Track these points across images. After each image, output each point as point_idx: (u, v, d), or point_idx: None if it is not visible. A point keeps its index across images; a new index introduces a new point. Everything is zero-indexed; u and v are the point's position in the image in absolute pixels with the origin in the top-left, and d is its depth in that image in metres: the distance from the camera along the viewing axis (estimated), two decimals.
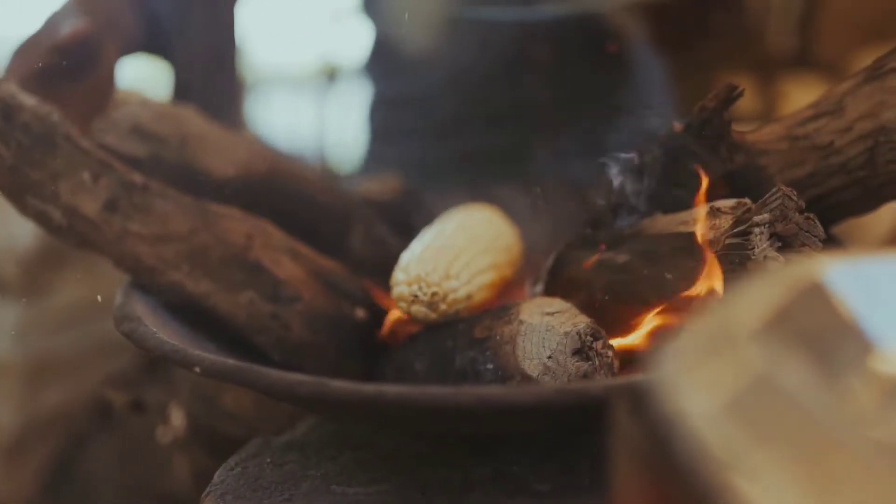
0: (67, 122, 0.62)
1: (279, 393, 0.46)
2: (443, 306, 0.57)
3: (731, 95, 0.56)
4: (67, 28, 0.66)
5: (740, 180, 0.58)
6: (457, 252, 0.60)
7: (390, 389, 0.42)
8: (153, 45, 0.75)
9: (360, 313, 0.63)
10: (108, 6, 0.72)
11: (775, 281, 0.31)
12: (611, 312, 0.55)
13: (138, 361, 1.58)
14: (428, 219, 0.80)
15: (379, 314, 0.64)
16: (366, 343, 0.63)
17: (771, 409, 0.25)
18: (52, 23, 0.68)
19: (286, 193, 0.72)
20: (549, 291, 0.60)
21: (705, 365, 0.27)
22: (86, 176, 0.61)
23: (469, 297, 0.58)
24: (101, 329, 1.35)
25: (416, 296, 0.56)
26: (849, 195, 0.58)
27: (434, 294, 0.56)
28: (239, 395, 0.70)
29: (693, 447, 0.24)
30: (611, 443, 0.35)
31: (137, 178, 0.62)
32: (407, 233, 0.78)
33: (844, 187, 0.58)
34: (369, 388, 0.42)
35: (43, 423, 1.25)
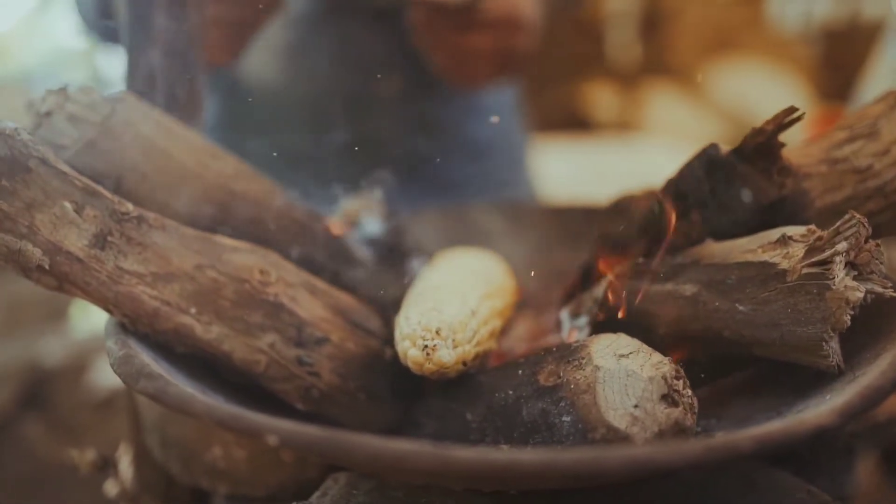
0: (41, 142, 0.52)
1: (383, 466, 0.40)
2: (461, 342, 0.52)
3: (790, 118, 0.54)
4: None
5: (783, 206, 0.57)
6: (452, 293, 0.56)
7: (526, 458, 0.37)
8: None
9: (389, 353, 0.57)
10: None
11: None
12: (680, 348, 0.52)
13: (16, 394, 1.42)
14: (410, 241, 0.75)
15: None
16: (395, 388, 0.57)
17: None
18: None
19: (269, 223, 0.64)
20: (602, 326, 0.56)
21: None
22: (68, 206, 0.51)
23: (476, 331, 0.54)
24: None
25: (425, 346, 0.50)
26: (884, 219, 0.58)
27: (438, 331, 0.51)
28: (230, 450, 0.62)
29: None
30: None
31: (130, 207, 0.53)
32: (390, 256, 0.73)
33: (880, 211, 0.58)
34: (501, 457, 0.37)
35: None
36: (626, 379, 0.47)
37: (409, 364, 0.51)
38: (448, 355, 0.51)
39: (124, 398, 0.75)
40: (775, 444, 0.39)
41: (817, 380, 0.53)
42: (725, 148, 0.57)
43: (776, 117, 0.54)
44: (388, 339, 0.58)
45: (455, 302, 0.54)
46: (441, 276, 0.60)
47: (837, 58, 3.21)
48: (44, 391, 1.37)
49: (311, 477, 0.61)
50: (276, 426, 0.40)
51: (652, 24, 3.37)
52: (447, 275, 0.61)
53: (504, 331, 0.62)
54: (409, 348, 0.51)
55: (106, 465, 0.70)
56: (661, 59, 3.33)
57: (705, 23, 3.39)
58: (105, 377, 1.41)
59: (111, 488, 0.75)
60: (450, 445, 0.38)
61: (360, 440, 0.39)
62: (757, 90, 3.10)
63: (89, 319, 1.52)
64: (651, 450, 0.38)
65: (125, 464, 0.75)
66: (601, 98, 3.31)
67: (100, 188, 0.53)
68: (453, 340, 0.51)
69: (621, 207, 0.67)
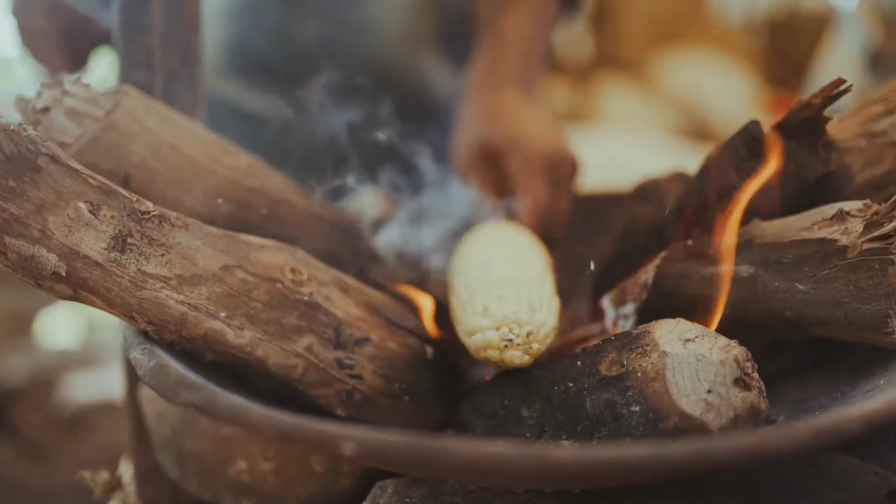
0: (49, 138, 0.48)
1: (474, 471, 0.37)
2: (536, 345, 0.50)
3: (838, 91, 0.53)
4: None
5: (826, 182, 0.55)
6: (526, 282, 0.53)
7: (633, 452, 0.35)
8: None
9: (430, 351, 0.54)
10: None
11: None
12: (740, 330, 0.50)
13: None
14: (419, 234, 0.72)
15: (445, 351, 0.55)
16: (439, 388, 0.54)
17: None
18: None
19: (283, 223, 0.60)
20: (654, 310, 0.54)
21: None
22: (82, 207, 0.47)
23: (555, 328, 0.52)
24: None
25: (509, 340, 0.48)
26: None
27: (529, 334, 0.49)
28: (256, 462, 0.58)
29: None
30: None
31: (150, 205, 0.49)
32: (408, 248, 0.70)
33: None
34: (607, 453, 0.35)
35: None
36: (696, 364, 0.45)
37: (490, 355, 0.49)
38: (537, 346, 0.49)
39: (117, 412, 0.70)
40: (882, 423, 0.37)
41: (872, 359, 0.51)
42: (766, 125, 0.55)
43: (823, 90, 0.53)
44: (426, 337, 0.55)
45: (520, 284, 0.52)
46: (501, 261, 0.57)
47: (780, 46, 3.28)
48: (8, 411, 1.30)
49: (343, 487, 0.58)
50: (351, 433, 0.37)
51: (600, 17, 3.39)
52: (507, 260, 0.57)
53: None
54: (491, 338, 0.48)
55: (120, 486, 0.65)
56: (610, 51, 3.35)
57: (654, 14, 3.43)
58: (72, 394, 1.34)
59: None
60: (547, 446, 0.35)
61: (449, 445, 0.35)
62: (706, 79, 3.14)
63: (53, 335, 1.45)
64: (760, 437, 0.36)
65: (128, 481, 0.71)
66: (554, 91, 3.31)
67: (116, 186, 0.48)
68: (533, 323, 0.49)
69: (648, 192, 0.65)
